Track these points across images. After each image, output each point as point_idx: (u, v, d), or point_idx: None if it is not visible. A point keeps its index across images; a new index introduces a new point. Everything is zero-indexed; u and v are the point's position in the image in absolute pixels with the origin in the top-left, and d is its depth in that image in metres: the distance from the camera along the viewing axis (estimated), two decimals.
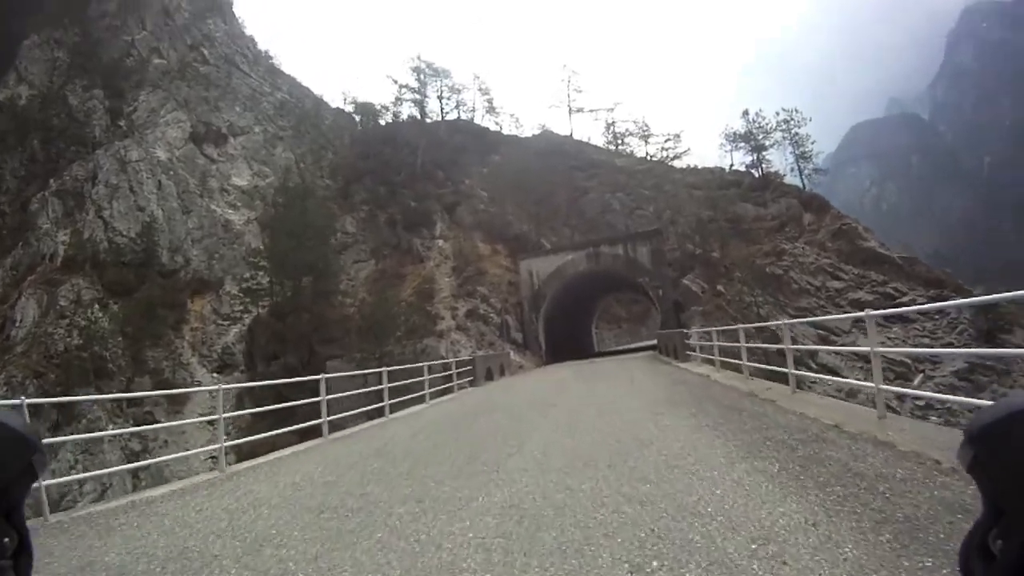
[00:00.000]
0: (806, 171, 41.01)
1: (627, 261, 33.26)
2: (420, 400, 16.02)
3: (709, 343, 16.98)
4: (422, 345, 32.23)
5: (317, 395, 11.29)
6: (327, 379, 11.84)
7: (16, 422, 0.76)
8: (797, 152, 41.27)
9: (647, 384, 14.10)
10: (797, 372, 9.54)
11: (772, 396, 8.98)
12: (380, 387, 13.91)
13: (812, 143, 41.53)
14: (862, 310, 6.83)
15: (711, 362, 16.37)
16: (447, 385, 19.24)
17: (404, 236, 46.02)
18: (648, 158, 53.32)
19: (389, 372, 14.48)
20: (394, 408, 14.07)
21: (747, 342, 12.91)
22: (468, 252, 43.19)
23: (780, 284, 32.60)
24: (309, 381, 13.19)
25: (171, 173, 37.25)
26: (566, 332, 39.32)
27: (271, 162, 48.22)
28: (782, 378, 10.22)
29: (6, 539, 0.74)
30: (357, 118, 63.46)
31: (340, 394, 12.85)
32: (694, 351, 19.30)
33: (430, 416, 12.85)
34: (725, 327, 18.89)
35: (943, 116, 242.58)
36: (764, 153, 42.57)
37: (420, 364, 17.41)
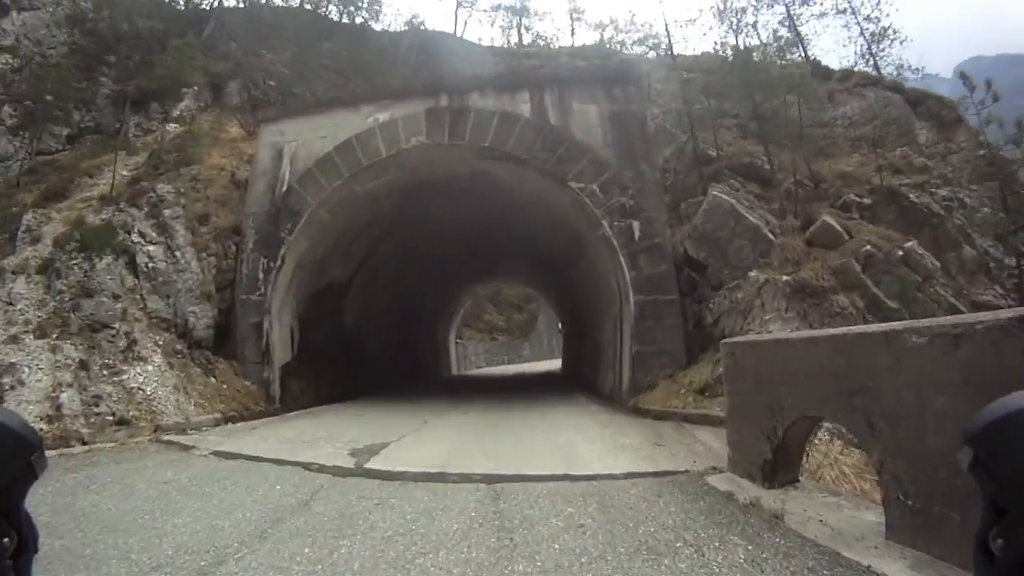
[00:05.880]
0: (887, 66, 21.19)
1: (542, 132, 11.31)
2: None
3: None
4: None
5: None
6: None
7: (15, 422, 0.75)
8: (868, 31, 21.36)
9: None
10: None
11: None
12: None
13: (893, 30, 21.79)
14: None
15: None
16: None
17: (129, 116, 22.89)
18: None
19: None
20: None
21: None
22: (202, 136, 20.13)
23: (940, 239, 12.04)
24: None
25: None
26: (380, 327, 16.86)
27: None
28: None
29: (6, 539, 0.73)
30: None
31: None
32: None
33: None
34: None
35: None
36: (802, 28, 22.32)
37: None
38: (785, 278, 8.99)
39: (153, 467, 5.79)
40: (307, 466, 5.46)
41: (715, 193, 10.53)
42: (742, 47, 20.34)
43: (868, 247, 10.26)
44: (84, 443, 7.88)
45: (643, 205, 10.58)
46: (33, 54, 24.61)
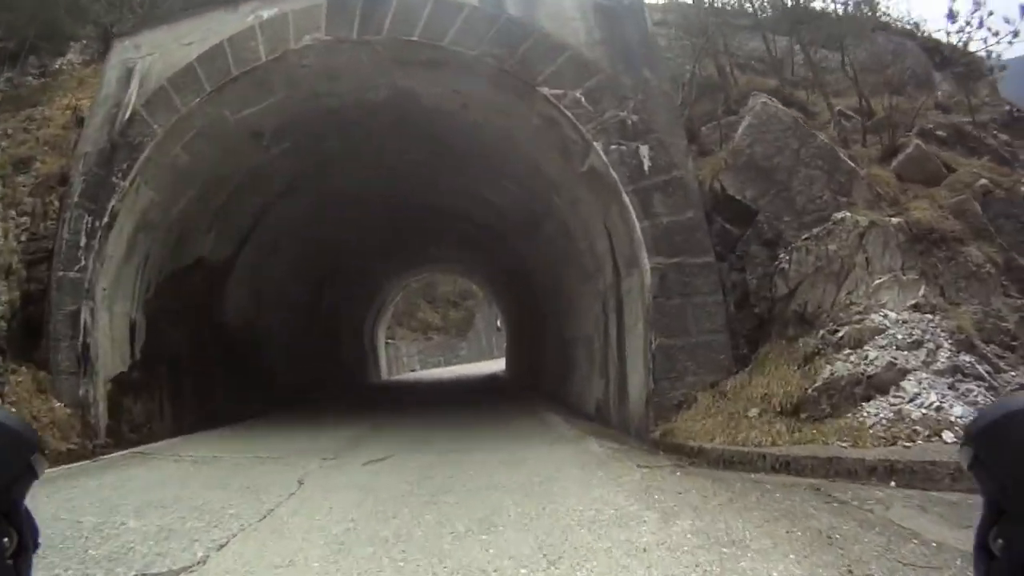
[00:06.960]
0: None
1: (497, 23, 7.59)
2: None
3: None
4: None
5: None
6: None
7: (14, 422, 0.73)
8: None
9: None
10: None
11: None
12: None
13: None
14: None
15: None
16: None
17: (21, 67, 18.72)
18: None
19: None
20: None
21: None
22: (69, 81, 16.02)
23: None
24: None
25: None
26: (282, 324, 12.98)
27: None
28: None
29: (6, 539, 0.70)
30: None
31: None
32: None
33: None
34: None
35: None
36: None
37: None
38: (896, 220, 5.46)
39: None
40: None
41: (764, 101, 6.91)
42: None
43: (983, 182, 6.87)
44: None
45: (652, 124, 6.95)
46: None
